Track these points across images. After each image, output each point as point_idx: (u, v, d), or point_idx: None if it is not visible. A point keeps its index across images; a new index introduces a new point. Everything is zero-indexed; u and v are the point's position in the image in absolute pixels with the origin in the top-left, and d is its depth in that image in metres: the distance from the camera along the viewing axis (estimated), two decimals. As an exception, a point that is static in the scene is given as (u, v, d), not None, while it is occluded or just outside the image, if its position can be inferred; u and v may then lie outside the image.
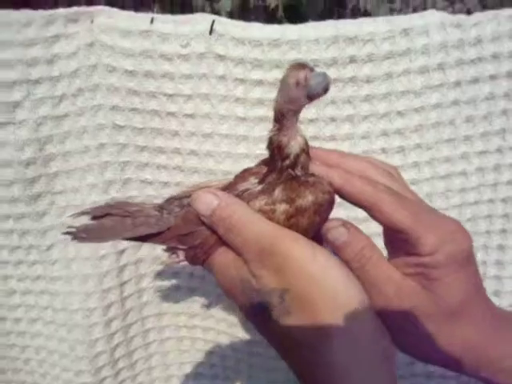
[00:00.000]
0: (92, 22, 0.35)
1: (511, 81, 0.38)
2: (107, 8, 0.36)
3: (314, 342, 0.22)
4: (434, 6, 1.51)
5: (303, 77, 0.23)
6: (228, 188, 0.27)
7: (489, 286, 0.45)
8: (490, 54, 0.37)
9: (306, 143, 0.26)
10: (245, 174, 0.28)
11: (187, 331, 0.48)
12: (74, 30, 0.35)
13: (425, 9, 0.39)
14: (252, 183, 0.27)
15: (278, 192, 0.25)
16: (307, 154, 0.26)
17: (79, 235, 0.26)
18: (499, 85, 0.38)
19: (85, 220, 0.27)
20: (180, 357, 0.49)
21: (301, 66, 0.24)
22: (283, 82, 0.24)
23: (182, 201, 0.28)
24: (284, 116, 0.25)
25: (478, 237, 0.43)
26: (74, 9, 0.35)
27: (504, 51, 0.37)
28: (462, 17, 0.37)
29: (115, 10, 0.36)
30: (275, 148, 0.26)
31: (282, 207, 0.25)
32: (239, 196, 0.26)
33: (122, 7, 0.38)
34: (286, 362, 0.25)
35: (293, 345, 0.23)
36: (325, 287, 0.23)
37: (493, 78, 0.38)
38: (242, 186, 0.27)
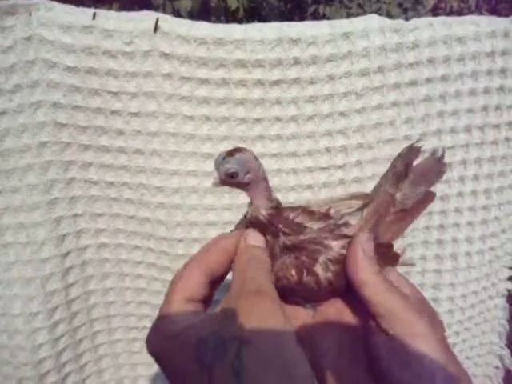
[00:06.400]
0: (30, 14, 0.34)
1: (446, 84, 0.40)
2: (47, 1, 0.35)
3: None
4: (388, 14, 1.57)
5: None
6: None
7: (428, 279, 0.47)
8: (427, 58, 0.39)
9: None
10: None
11: (138, 332, 0.47)
12: (11, 23, 0.34)
13: (380, 15, 0.40)
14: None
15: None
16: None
17: None
18: (435, 88, 0.40)
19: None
20: (131, 358, 0.48)
21: None
22: None
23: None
24: None
25: (417, 232, 0.45)
26: (11, 0, 0.34)
27: (439, 56, 0.39)
28: (400, 22, 0.39)
29: (55, 3, 0.35)
30: None
31: None
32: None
33: (81, 4, 0.37)
34: None
35: None
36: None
37: (429, 81, 0.40)
38: None
